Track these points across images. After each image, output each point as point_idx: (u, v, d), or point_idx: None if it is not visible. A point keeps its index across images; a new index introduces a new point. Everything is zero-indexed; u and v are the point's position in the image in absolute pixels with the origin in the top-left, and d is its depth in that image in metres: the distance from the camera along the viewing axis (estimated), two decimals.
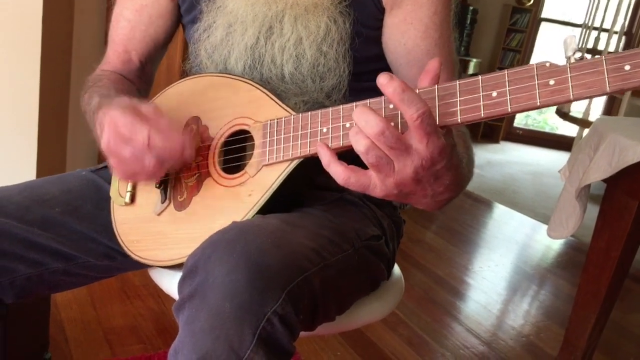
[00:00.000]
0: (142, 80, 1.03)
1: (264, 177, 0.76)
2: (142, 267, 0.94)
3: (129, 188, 0.88)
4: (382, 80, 0.59)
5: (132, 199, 0.88)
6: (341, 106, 0.70)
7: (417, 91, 0.64)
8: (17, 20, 1.68)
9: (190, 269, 0.65)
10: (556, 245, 3.22)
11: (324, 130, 0.71)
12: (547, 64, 0.59)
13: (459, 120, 0.62)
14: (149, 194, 0.87)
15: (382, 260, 0.89)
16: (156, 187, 0.85)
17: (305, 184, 0.82)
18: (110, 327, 1.70)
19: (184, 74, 0.98)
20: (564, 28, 6.42)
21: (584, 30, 4.30)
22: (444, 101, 0.63)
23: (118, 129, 0.72)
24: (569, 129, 6.17)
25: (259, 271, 0.61)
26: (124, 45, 0.99)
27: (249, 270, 0.61)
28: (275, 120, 0.76)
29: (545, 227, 3.39)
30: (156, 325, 1.74)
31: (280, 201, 0.77)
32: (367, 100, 0.67)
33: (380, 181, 0.63)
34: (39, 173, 1.78)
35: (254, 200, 0.76)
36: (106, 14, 2.17)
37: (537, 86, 0.59)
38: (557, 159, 5.63)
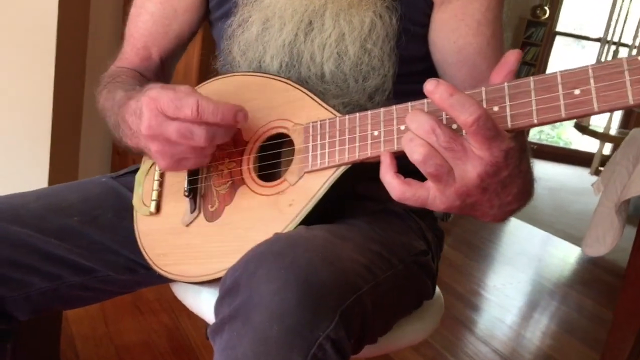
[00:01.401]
0: (160, 79, 0.96)
1: (306, 185, 0.69)
2: (166, 282, 0.87)
3: (154, 196, 0.81)
4: (429, 86, 0.53)
5: (158, 208, 0.81)
6: (394, 107, 0.63)
7: (484, 89, 0.57)
8: (31, 26, 1.64)
9: (230, 286, 0.58)
10: (576, 261, 3.15)
11: (375, 133, 0.64)
12: (639, 58, 0.52)
13: (535, 121, 0.55)
14: (177, 203, 0.80)
15: (429, 277, 0.82)
16: (185, 195, 0.78)
17: (350, 193, 0.75)
18: (123, 343, 1.62)
19: (211, 73, 0.91)
20: (579, 42, 6.36)
21: (603, 44, 4.24)
22: (517, 100, 0.56)
23: (160, 106, 0.63)
24: (583, 144, 6.10)
25: (310, 290, 0.54)
26: (144, 41, 0.92)
27: (300, 288, 0.54)
28: (319, 123, 0.70)
29: (564, 243, 3.35)
30: (170, 342, 1.66)
31: (322, 211, 0.70)
32: (425, 101, 0.61)
33: (440, 192, 0.56)
34: (51, 180, 1.73)
35: (296, 210, 0.69)
36: (122, 16, 2.12)
37: (628, 83, 0.52)
38: (572, 174, 5.54)
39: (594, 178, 4.25)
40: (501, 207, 0.60)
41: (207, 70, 1.92)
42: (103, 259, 0.82)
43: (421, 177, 0.58)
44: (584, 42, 6.33)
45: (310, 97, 0.72)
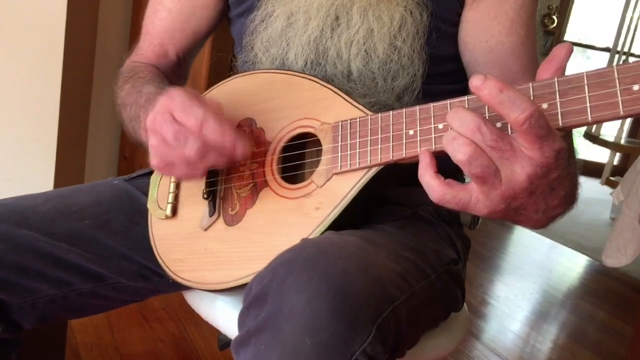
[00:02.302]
0: (176, 76, 0.93)
1: (334, 188, 0.65)
2: (179, 290, 0.83)
3: (170, 199, 0.77)
4: (476, 82, 0.49)
5: (174, 211, 0.77)
6: (431, 104, 0.59)
7: (532, 84, 0.53)
8: (39, 28, 1.61)
9: (257, 295, 0.54)
10: (587, 271, 3.12)
11: (411, 132, 0.60)
12: None
13: (590, 119, 0.51)
14: (194, 206, 0.75)
15: (459, 287, 0.77)
16: (203, 197, 0.73)
17: (380, 196, 0.71)
18: (128, 353, 1.57)
19: (224, 73, 0.88)
20: (584, 52, 6.34)
21: (613, 54, 4.20)
22: (569, 96, 0.52)
23: (170, 106, 0.62)
24: (590, 154, 6.04)
25: (345, 300, 0.50)
26: (160, 38, 0.90)
27: (334, 298, 0.50)
28: (349, 122, 0.65)
29: (575, 253, 3.30)
30: (177, 352, 1.62)
31: (350, 216, 0.66)
32: (465, 98, 0.57)
33: (484, 195, 0.52)
34: (57, 184, 1.69)
35: (323, 214, 0.64)
36: (132, 18, 2.09)
37: None
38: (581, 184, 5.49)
39: (605, 188, 4.21)
40: (546, 211, 0.56)
41: (217, 72, 1.88)
42: (115, 265, 0.78)
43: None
44: (589, 52, 6.30)
45: (339, 95, 0.68)
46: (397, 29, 0.74)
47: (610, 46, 4.42)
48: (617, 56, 4.17)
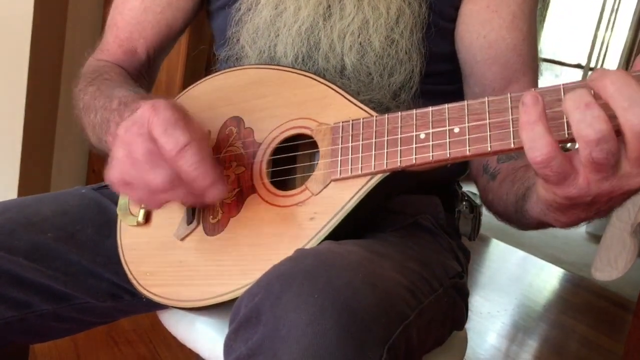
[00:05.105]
0: (144, 77, 0.84)
1: (332, 196, 0.58)
2: (153, 310, 0.75)
3: None
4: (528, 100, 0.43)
5: (147, 218, 0.69)
6: (445, 105, 0.54)
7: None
8: (3, 30, 1.53)
9: (247, 315, 0.47)
10: (566, 285, 3.11)
11: (422, 136, 0.55)
12: None
13: None
14: (170, 213, 0.68)
15: (464, 303, 0.71)
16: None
17: (381, 206, 0.65)
18: None
19: (209, 64, 0.81)
20: (552, 70, 6.44)
21: (586, 72, 4.28)
22: None
23: (152, 119, 0.53)
24: None
25: (353, 318, 0.44)
26: (129, 31, 0.80)
27: (340, 316, 0.43)
28: (351, 122, 0.59)
29: (553, 266, 3.29)
30: None
31: (350, 228, 0.59)
32: (487, 98, 0.51)
33: (585, 181, 0.44)
34: (20, 194, 1.60)
35: (318, 225, 0.58)
36: (102, 21, 2.02)
37: None
38: None
39: None
40: (598, 213, 0.49)
41: (194, 67, 1.79)
42: (81, 283, 0.70)
43: None
44: (557, 70, 6.41)
45: (339, 94, 0.62)
46: (395, 21, 0.69)
47: (582, 63, 4.50)
48: (590, 73, 4.24)
